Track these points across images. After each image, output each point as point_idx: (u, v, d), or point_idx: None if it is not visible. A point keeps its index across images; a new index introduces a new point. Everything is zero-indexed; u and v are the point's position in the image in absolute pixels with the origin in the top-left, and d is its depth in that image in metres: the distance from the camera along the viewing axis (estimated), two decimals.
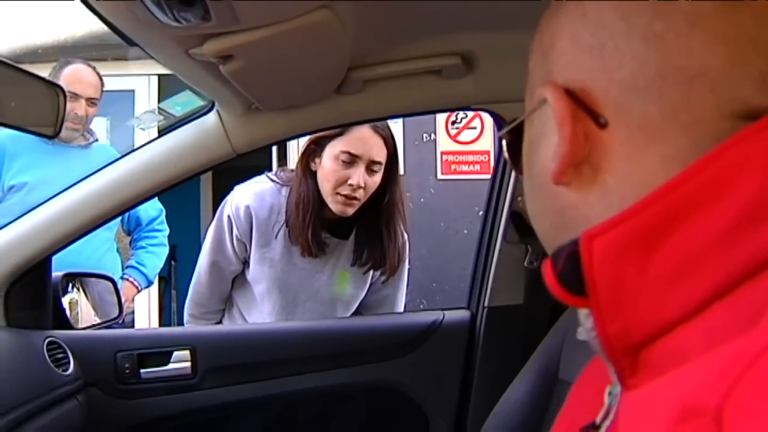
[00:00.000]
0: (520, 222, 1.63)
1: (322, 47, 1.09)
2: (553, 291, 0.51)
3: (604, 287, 0.48)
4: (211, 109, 1.43)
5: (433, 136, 4.14)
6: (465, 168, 4.15)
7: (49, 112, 1.08)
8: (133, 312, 3.35)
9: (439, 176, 4.15)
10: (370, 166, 1.84)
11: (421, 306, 4.02)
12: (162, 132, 1.48)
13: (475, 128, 4.13)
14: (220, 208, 1.99)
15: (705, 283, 0.45)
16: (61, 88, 1.10)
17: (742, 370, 0.36)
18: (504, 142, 0.66)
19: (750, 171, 0.45)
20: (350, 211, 1.86)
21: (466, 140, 4.14)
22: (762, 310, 0.40)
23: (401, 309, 2.12)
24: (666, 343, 0.46)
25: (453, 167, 4.15)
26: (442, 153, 4.16)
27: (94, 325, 1.73)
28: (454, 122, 4.13)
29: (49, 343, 1.43)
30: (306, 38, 1.01)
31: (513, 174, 1.61)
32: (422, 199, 4.05)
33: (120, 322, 1.97)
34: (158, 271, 3.11)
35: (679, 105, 0.48)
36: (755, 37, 0.48)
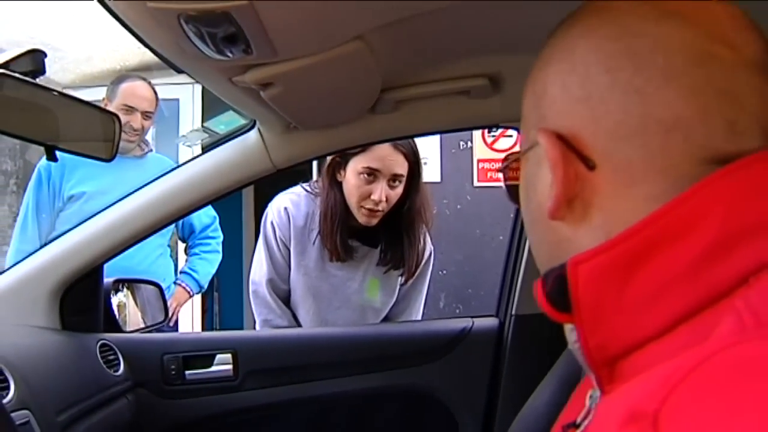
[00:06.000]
0: None
1: (356, 73, 1.16)
2: (543, 308, 0.58)
3: (586, 306, 0.55)
4: (252, 128, 1.52)
5: (469, 144, 4.16)
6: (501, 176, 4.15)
7: (105, 137, 1.17)
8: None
9: (476, 183, 4.16)
10: (392, 180, 1.93)
11: (457, 311, 4.06)
12: (207, 148, 1.57)
13: (511, 136, 4.13)
14: (263, 223, 2.08)
15: (673, 307, 0.51)
16: (117, 116, 1.19)
17: (678, 379, 0.42)
18: (502, 176, 0.73)
19: (714, 212, 0.51)
20: (374, 221, 1.97)
21: (502, 148, 4.16)
22: (711, 331, 0.47)
23: (419, 317, 2.18)
24: (638, 357, 0.53)
25: (489, 175, 4.16)
26: (479, 161, 4.17)
27: (142, 328, 1.83)
28: (490, 130, 4.15)
29: (102, 345, 1.53)
30: (340, 66, 1.08)
31: None
32: (458, 206, 4.09)
33: (170, 325, 2.04)
34: (210, 277, 3.21)
35: (658, 152, 0.54)
36: (723, 89, 0.54)
